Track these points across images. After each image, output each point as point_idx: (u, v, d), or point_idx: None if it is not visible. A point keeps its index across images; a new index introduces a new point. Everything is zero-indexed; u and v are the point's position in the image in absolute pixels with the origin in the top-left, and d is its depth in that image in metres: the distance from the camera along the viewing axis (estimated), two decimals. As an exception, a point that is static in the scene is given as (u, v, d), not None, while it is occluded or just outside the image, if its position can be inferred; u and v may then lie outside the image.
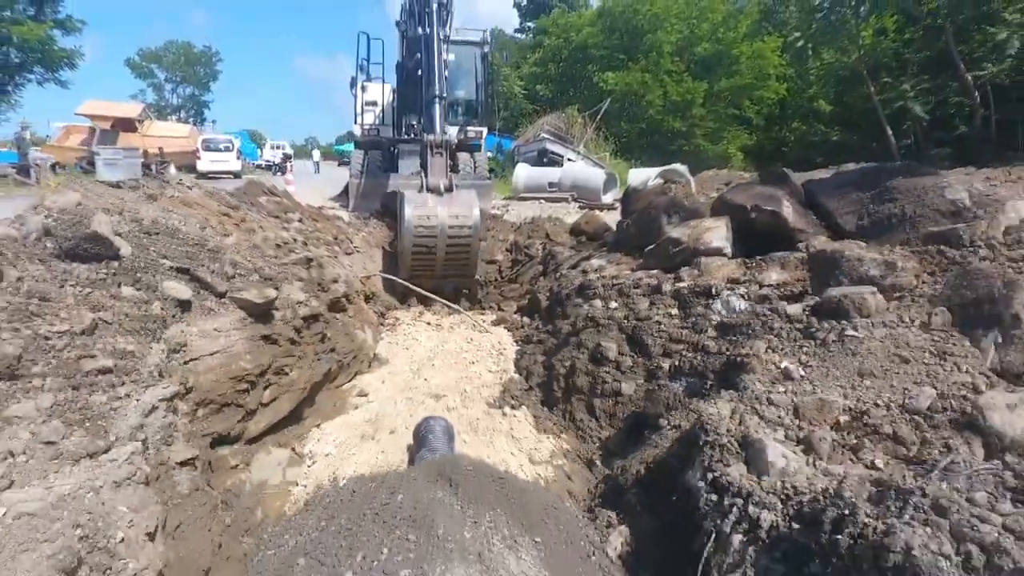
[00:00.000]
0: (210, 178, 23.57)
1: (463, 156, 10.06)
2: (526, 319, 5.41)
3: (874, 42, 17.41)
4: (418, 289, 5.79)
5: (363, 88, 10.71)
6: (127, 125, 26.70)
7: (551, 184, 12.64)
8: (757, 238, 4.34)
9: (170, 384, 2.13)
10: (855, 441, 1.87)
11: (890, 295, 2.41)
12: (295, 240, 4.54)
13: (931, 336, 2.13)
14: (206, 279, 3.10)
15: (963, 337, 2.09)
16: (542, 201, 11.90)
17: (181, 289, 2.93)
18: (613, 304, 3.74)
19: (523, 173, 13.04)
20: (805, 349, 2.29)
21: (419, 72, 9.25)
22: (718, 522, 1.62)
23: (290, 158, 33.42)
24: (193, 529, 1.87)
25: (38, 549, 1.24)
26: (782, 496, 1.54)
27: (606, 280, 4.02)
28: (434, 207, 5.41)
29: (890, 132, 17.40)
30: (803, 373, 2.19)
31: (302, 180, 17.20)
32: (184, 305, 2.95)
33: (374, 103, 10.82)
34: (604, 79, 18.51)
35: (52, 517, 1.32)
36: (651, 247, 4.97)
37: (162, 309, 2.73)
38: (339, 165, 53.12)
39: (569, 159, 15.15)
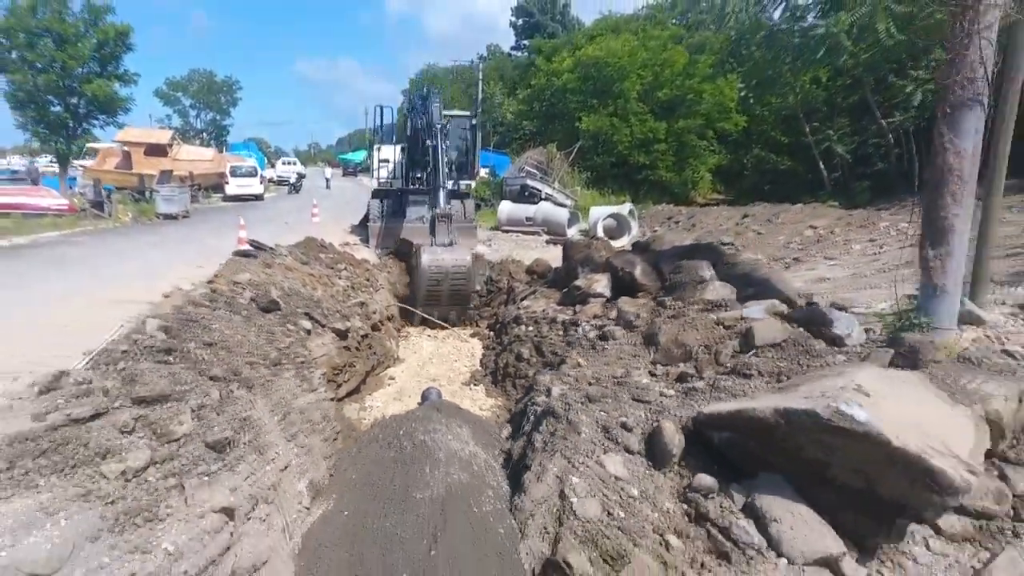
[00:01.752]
0: (237, 200, 26.71)
1: (455, 203, 13.15)
2: (491, 333, 8.45)
3: (808, 89, 20.45)
4: (425, 315, 8.85)
5: (378, 149, 13.80)
6: (158, 150, 29.89)
7: (528, 218, 15.71)
8: (623, 288, 7.37)
9: (323, 368, 5.18)
10: (595, 389, 4.91)
11: (632, 329, 5.44)
12: (350, 286, 7.60)
13: (635, 348, 5.16)
14: (317, 318, 6.13)
15: (646, 349, 5.13)
16: (519, 234, 14.97)
17: (308, 324, 5.96)
18: (530, 328, 6.79)
19: (506, 209, 16.10)
20: (590, 354, 5.32)
21: (421, 142, 12.30)
22: (528, 414, 4.65)
23: (303, 176, 36.50)
24: (340, 423, 4.92)
25: (315, 414, 4.28)
26: (546, 401, 4.57)
27: (528, 314, 7.07)
28: (442, 255, 8.37)
29: (822, 166, 20.50)
30: (585, 364, 5.21)
31: (320, 202, 20.00)
32: (308, 332, 5.99)
33: (387, 160, 13.89)
34: (580, 121, 21.73)
35: (315, 405, 4.34)
36: (566, 289, 8.03)
37: (302, 334, 5.77)
38: (344, 175, 54.90)
39: (547, 193, 18.22)
